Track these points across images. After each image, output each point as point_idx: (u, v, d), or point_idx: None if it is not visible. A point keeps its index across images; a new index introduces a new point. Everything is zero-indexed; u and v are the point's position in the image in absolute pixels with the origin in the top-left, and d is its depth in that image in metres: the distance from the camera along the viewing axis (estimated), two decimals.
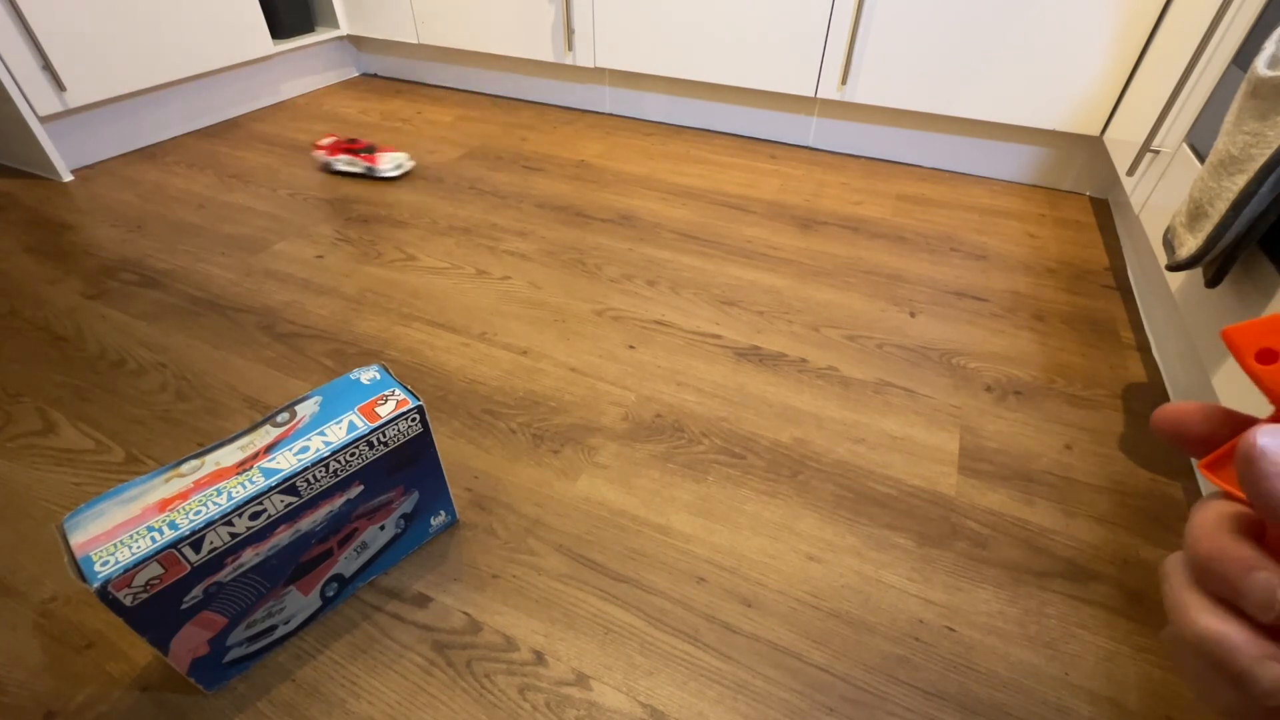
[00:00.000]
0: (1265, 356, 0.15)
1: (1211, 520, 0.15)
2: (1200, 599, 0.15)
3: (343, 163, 1.31)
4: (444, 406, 0.76)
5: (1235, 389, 0.58)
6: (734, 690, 0.51)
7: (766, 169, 1.37)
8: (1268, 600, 0.13)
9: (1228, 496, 0.16)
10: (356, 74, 1.90)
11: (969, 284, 1.01)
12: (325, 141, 1.33)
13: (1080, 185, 1.30)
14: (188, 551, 0.42)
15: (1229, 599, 0.14)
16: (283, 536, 0.47)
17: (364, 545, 0.55)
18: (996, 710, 0.50)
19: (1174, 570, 0.16)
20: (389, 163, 1.29)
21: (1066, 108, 1.19)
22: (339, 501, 0.50)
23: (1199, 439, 0.17)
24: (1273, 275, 0.56)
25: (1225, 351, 0.61)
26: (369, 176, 1.30)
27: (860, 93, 1.32)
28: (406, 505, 0.57)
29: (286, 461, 0.46)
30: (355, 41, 1.86)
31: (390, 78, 1.88)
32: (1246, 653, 0.14)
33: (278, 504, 0.46)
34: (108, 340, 0.86)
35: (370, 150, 1.30)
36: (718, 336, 0.88)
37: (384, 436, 0.50)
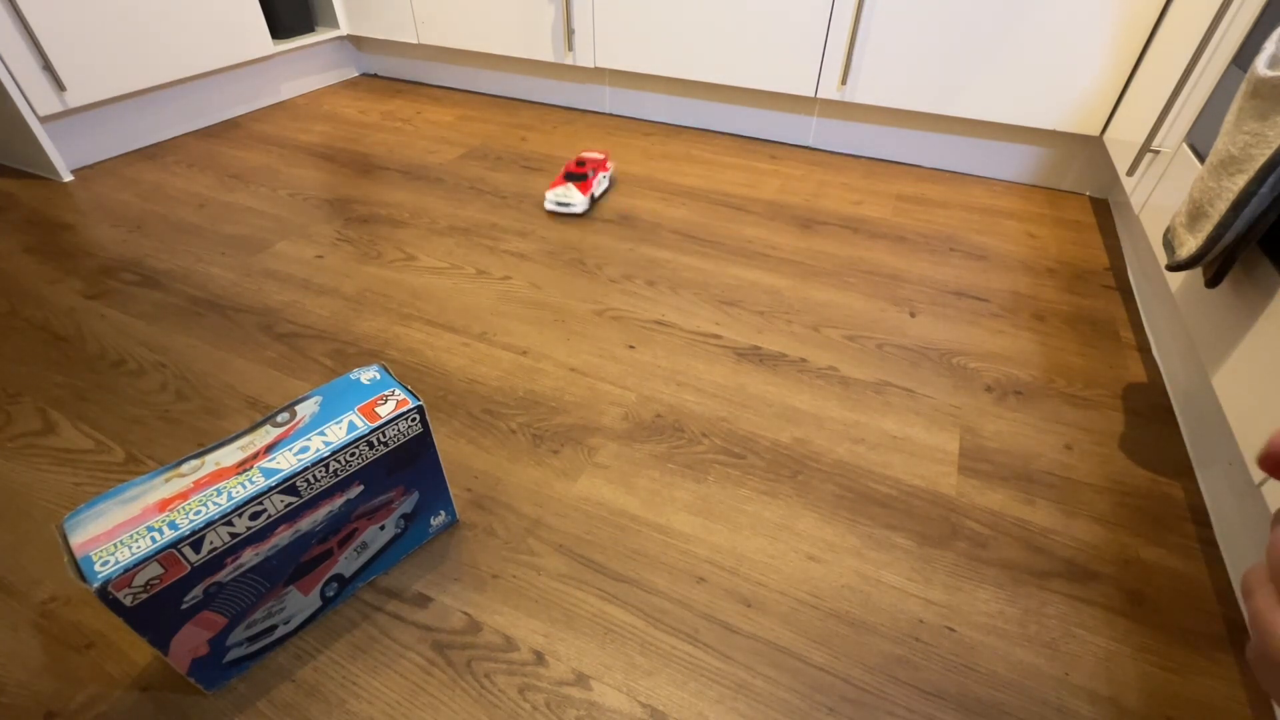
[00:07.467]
0: None
1: None
2: None
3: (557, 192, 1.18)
4: (444, 406, 0.76)
5: (1236, 391, 0.58)
6: (734, 690, 0.51)
7: (766, 169, 1.37)
8: None
9: None
10: (356, 74, 1.90)
11: (969, 284, 1.01)
12: (592, 152, 1.16)
13: (1080, 185, 1.30)
14: (188, 551, 0.42)
15: None
16: (283, 536, 0.47)
17: (364, 545, 0.55)
18: (996, 710, 0.50)
19: (1259, 585, 0.16)
20: (552, 200, 1.16)
21: (1066, 108, 1.19)
22: (339, 501, 0.50)
23: None
24: (1273, 275, 0.56)
25: (1225, 352, 0.61)
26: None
27: (860, 93, 1.32)
28: (406, 505, 0.57)
29: (286, 461, 0.46)
30: (355, 41, 1.86)
31: (390, 78, 1.88)
32: None
33: (278, 504, 0.46)
34: (108, 340, 0.86)
35: (580, 178, 1.16)
36: (718, 336, 0.88)
37: (384, 436, 0.50)
